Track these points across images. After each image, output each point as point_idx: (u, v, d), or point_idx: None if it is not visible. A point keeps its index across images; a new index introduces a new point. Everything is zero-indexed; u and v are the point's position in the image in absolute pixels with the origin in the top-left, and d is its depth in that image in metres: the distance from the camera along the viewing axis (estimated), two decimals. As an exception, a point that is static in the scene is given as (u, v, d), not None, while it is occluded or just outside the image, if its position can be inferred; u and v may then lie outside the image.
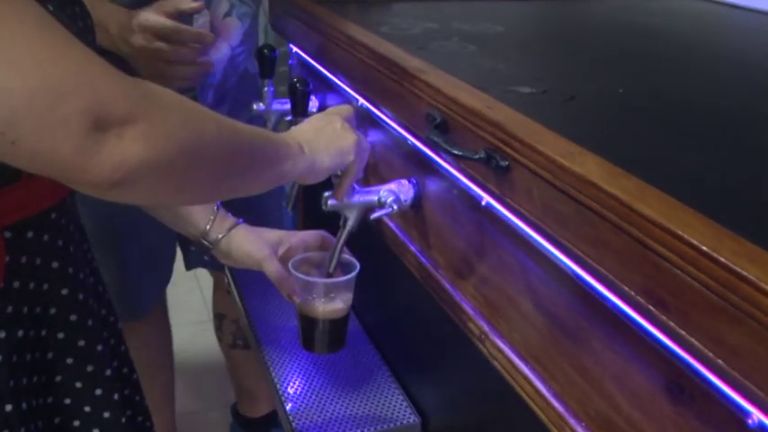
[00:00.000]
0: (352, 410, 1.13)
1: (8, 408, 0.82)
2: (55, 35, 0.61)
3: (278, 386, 1.19)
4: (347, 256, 1.06)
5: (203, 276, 2.35)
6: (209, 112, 0.74)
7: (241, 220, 1.08)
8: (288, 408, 1.14)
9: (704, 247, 0.54)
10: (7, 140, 0.58)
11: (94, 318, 0.93)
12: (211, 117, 0.74)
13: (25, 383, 0.85)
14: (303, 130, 0.92)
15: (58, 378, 0.91)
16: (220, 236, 1.06)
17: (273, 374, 1.22)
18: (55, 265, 0.88)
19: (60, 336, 0.90)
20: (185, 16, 1.37)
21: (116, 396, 0.95)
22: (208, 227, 1.06)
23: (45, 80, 0.58)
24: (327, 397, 1.16)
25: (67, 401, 0.92)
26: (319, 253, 1.07)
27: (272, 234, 1.08)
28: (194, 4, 1.33)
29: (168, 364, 1.83)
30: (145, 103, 0.64)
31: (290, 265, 1.03)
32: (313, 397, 1.16)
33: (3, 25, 0.58)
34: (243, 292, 1.46)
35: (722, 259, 0.52)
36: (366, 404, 1.14)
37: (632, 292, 0.62)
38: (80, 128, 0.59)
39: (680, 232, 0.56)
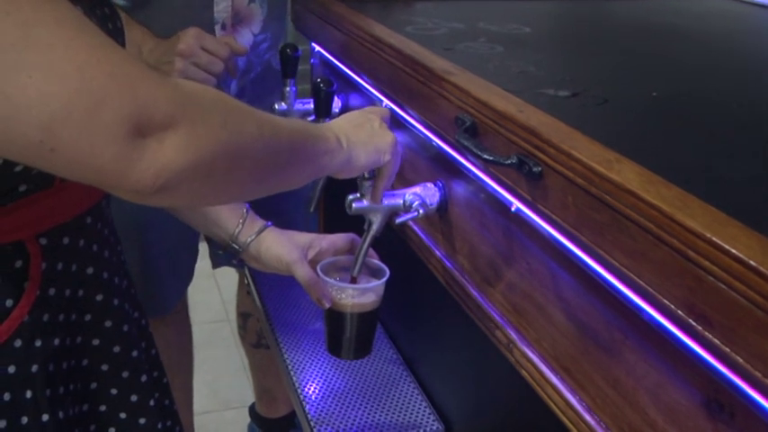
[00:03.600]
0: (374, 416, 1.12)
1: (45, 417, 0.81)
2: (93, 37, 0.59)
3: (298, 390, 1.18)
4: (377, 262, 1.04)
5: (221, 275, 2.35)
6: (249, 109, 0.72)
7: (270, 223, 1.06)
8: (309, 413, 1.12)
9: (752, 262, 0.52)
10: (46, 148, 0.57)
11: (129, 323, 0.92)
12: (252, 115, 0.72)
13: (62, 392, 0.84)
14: (342, 124, 0.90)
15: (94, 385, 0.90)
16: (250, 239, 1.05)
17: (294, 378, 1.21)
18: (90, 270, 0.86)
19: (95, 342, 0.89)
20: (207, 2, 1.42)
21: (151, 402, 0.94)
22: (237, 230, 1.05)
23: (84, 85, 0.56)
24: (349, 402, 1.15)
25: (103, 408, 0.91)
26: (348, 257, 1.05)
27: (302, 237, 1.06)
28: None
29: (188, 365, 1.83)
30: (185, 106, 0.62)
31: (318, 268, 1.01)
32: (334, 402, 1.15)
33: (40, 27, 0.56)
34: (263, 292, 1.45)
35: (771, 275, 0.50)
36: (388, 410, 1.13)
37: (672, 306, 0.60)
38: (120, 134, 0.57)
39: (725, 245, 0.54)
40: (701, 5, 1.65)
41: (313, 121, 1.32)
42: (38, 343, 0.80)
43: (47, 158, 0.58)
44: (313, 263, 1.03)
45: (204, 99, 0.66)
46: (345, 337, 1.03)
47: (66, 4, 0.59)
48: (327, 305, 1.01)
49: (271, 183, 0.78)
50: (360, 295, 1.01)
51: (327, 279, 1.01)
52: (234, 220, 1.05)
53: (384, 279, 1.02)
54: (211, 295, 2.75)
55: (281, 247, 1.04)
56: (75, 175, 0.60)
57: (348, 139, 0.88)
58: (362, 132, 0.90)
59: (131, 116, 0.58)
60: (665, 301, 0.60)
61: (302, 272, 1.01)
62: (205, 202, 0.92)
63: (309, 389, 1.18)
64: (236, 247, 1.06)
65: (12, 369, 0.78)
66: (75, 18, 0.59)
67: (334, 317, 1.02)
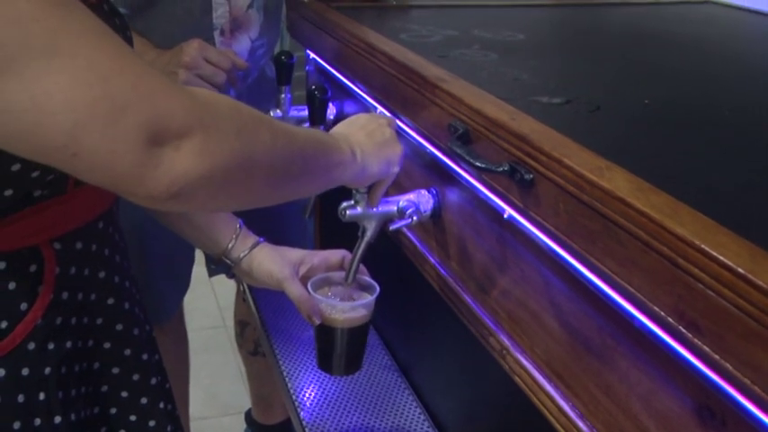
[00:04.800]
0: (368, 423, 1.12)
1: (57, 420, 0.81)
2: (116, 47, 0.61)
3: (293, 396, 1.18)
4: (368, 279, 1.04)
5: (218, 282, 2.34)
6: (263, 118, 0.73)
7: (262, 239, 1.06)
8: (304, 419, 1.12)
9: (740, 269, 0.52)
10: (69, 152, 0.59)
11: (139, 326, 0.93)
12: (266, 124, 0.73)
13: (74, 395, 0.85)
14: (355, 133, 0.91)
15: (104, 388, 0.90)
16: (242, 254, 1.05)
17: (289, 384, 1.21)
18: (102, 274, 0.87)
19: (107, 345, 0.89)
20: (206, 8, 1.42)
21: (161, 405, 0.95)
22: (230, 245, 1.05)
23: (107, 92, 0.58)
24: (343, 409, 1.15)
25: (114, 411, 0.91)
26: (339, 273, 1.05)
27: (294, 253, 1.06)
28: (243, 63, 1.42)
29: (184, 372, 1.83)
30: (201, 116, 0.63)
31: (309, 285, 1.01)
32: (329, 409, 1.15)
33: (67, 35, 0.58)
34: (258, 299, 1.45)
35: (759, 282, 0.51)
36: (383, 417, 1.13)
37: (662, 313, 0.60)
38: (139, 142, 0.59)
39: (714, 253, 0.54)
40: (695, 12, 1.65)
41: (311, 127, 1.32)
42: (51, 346, 0.81)
43: (69, 162, 0.60)
44: (305, 279, 1.03)
45: (219, 109, 0.67)
46: (336, 352, 1.03)
47: (90, 14, 0.61)
48: (317, 322, 1.00)
49: (283, 191, 0.79)
50: (350, 311, 1.01)
51: (317, 296, 1.01)
52: (227, 235, 1.05)
53: (375, 296, 1.02)
54: (208, 301, 2.75)
55: (273, 263, 1.04)
56: (94, 179, 0.62)
57: (362, 150, 0.89)
58: (375, 143, 0.91)
59: (149, 124, 0.60)
60: (655, 308, 0.60)
61: (293, 289, 1.01)
62: (217, 208, 0.93)
63: (304, 395, 1.18)
64: (229, 262, 1.06)
65: (25, 371, 0.79)
66: (99, 28, 0.61)
67: (325, 332, 1.02)
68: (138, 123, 0.59)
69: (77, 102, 0.57)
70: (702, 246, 0.55)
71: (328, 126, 1.22)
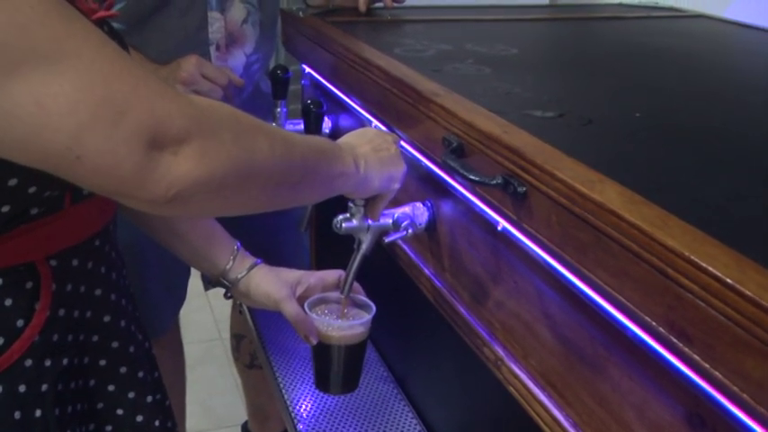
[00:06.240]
0: (364, 434, 1.12)
1: None
2: (116, 53, 0.62)
3: (290, 408, 1.18)
4: (363, 298, 1.05)
5: (214, 295, 2.35)
6: (262, 126, 0.74)
7: (260, 261, 1.07)
8: (300, 431, 1.13)
9: (729, 280, 0.53)
10: (72, 156, 0.60)
11: (135, 344, 0.94)
12: (264, 132, 0.74)
13: (70, 411, 0.85)
14: (362, 145, 0.92)
15: (100, 405, 0.91)
16: (240, 276, 1.05)
17: (286, 396, 1.22)
18: (98, 292, 0.88)
19: (102, 363, 0.90)
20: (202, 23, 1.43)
21: (156, 423, 0.95)
22: (228, 266, 1.05)
23: (109, 94, 0.60)
24: (340, 420, 1.15)
25: (109, 428, 0.92)
26: (336, 293, 1.06)
27: (291, 274, 1.06)
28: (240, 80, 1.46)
29: (181, 386, 1.83)
30: (199, 122, 0.65)
31: (305, 305, 1.02)
32: (325, 420, 1.15)
33: (71, 40, 0.60)
34: (254, 312, 1.46)
35: (747, 292, 0.51)
36: (379, 428, 1.13)
37: (653, 323, 0.61)
38: (140, 145, 0.60)
39: (703, 264, 0.55)
40: (687, 26, 1.67)
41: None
42: (48, 363, 0.81)
43: (71, 167, 0.61)
44: (302, 299, 1.04)
45: (218, 115, 0.69)
46: (333, 370, 1.03)
47: (90, 22, 0.63)
48: (314, 342, 1.01)
49: (282, 198, 0.80)
50: (347, 328, 1.01)
51: (314, 316, 1.01)
52: (224, 256, 1.06)
53: (371, 315, 1.03)
54: (204, 314, 2.75)
55: (270, 284, 1.04)
56: (96, 183, 0.63)
57: (366, 163, 0.90)
58: (380, 158, 0.92)
59: (149, 128, 0.61)
60: (646, 318, 0.61)
61: (290, 309, 1.01)
62: (216, 213, 0.94)
63: (301, 407, 1.19)
64: (226, 283, 1.07)
65: (22, 388, 0.79)
66: (100, 34, 0.63)
67: (322, 351, 1.03)
68: (138, 127, 0.60)
69: (81, 104, 0.59)
70: (692, 257, 0.56)
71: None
